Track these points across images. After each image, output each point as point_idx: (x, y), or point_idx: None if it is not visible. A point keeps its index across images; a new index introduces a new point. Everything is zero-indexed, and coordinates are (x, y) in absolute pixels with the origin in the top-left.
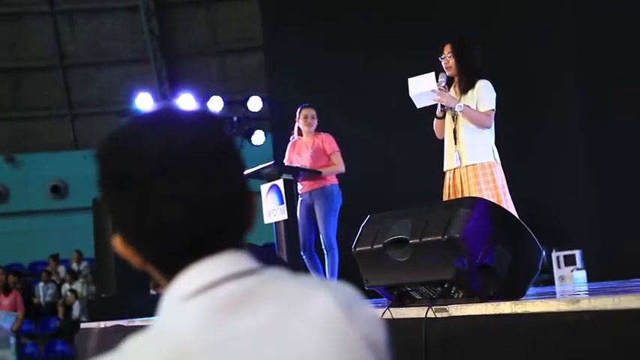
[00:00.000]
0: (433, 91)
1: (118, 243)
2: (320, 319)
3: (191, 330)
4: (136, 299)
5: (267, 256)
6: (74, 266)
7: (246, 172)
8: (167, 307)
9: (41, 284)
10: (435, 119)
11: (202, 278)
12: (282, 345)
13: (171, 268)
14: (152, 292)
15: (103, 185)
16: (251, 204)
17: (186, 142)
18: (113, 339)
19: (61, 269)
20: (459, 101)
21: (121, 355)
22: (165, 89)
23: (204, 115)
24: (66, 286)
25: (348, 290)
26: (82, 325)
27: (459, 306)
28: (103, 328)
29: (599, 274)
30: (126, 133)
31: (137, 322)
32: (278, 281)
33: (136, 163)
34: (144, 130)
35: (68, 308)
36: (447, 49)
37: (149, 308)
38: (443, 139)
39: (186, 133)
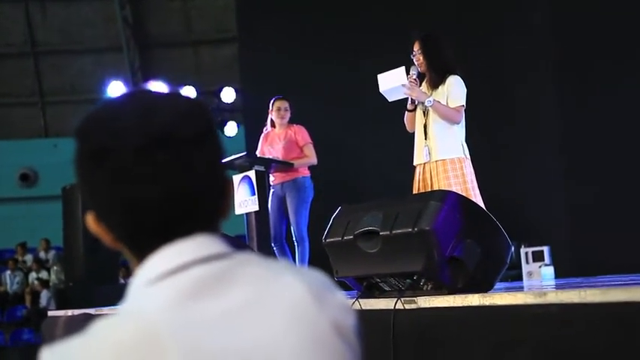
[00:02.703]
0: (403, 85)
1: (90, 220)
2: (290, 303)
3: (159, 311)
4: (104, 288)
5: (238, 246)
6: (42, 255)
7: (224, 163)
8: (136, 289)
9: (8, 272)
10: (406, 112)
11: (172, 261)
12: (251, 329)
13: (143, 249)
14: (121, 281)
15: (80, 161)
16: (227, 192)
17: (167, 123)
18: (80, 327)
19: (29, 258)
20: (430, 96)
21: (88, 337)
22: (138, 79)
23: (185, 97)
24: (33, 275)
25: (318, 276)
26: (49, 314)
27: (427, 298)
28: (70, 316)
29: (567, 270)
30: (106, 111)
31: (105, 310)
32: (249, 265)
33: (114, 140)
34: (125, 108)
35: (35, 297)
36: (417, 45)
37: (118, 297)
38: (413, 133)
39: (167, 113)
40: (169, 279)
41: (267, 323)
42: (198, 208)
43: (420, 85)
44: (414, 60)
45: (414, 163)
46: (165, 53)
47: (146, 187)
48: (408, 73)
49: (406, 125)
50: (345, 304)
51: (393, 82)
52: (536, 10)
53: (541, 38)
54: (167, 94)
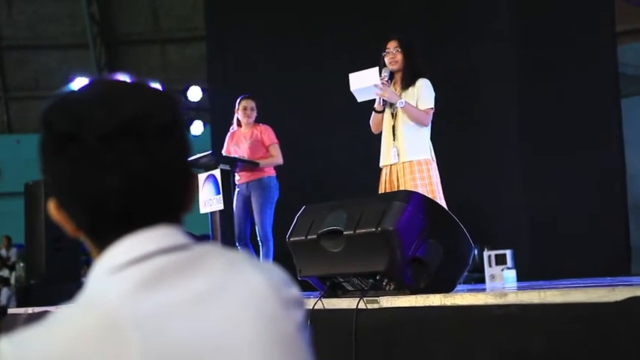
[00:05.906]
0: (375, 85)
1: (52, 208)
2: (249, 293)
3: (120, 299)
4: (66, 286)
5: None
6: (3, 252)
7: (189, 155)
8: (96, 277)
9: None
10: (374, 113)
11: (134, 251)
12: (210, 317)
13: (104, 238)
14: (84, 279)
15: (45, 147)
16: (191, 185)
17: (133, 111)
18: None
19: None
20: (401, 98)
21: (48, 326)
22: (104, 76)
23: (153, 87)
24: None
25: (276, 270)
26: (10, 311)
27: (389, 297)
28: (31, 314)
29: (529, 274)
30: (73, 97)
31: None
32: (210, 256)
33: (79, 127)
34: (91, 95)
35: None
36: (394, 44)
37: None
38: (379, 135)
39: (133, 102)
40: (131, 268)
41: (226, 312)
42: (160, 199)
43: (390, 85)
44: (387, 58)
45: (381, 165)
46: (132, 51)
47: (109, 175)
48: (380, 74)
49: (372, 127)
50: (298, 299)
51: (365, 82)
52: (499, 16)
53: (505, 44)
54: (134, 83)
